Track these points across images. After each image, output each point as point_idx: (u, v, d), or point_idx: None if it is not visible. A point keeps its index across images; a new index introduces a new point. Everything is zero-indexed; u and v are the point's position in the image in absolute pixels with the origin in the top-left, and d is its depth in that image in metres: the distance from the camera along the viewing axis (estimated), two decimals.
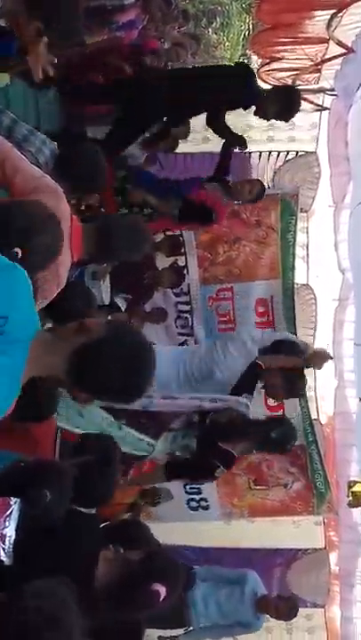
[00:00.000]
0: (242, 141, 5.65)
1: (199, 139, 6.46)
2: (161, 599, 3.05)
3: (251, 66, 6.97)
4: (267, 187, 7.39)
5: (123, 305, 5.75)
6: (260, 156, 7.38)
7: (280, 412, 6.39)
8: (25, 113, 4.65)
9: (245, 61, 10.92)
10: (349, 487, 6.53)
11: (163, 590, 3.05)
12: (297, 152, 7.37)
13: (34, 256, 2.46)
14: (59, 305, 3.02)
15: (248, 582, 5.54)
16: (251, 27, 12.28)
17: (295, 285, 6.82)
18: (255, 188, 5.65)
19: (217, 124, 5.53)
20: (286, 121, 5.86)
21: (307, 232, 7.25)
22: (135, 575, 3.06)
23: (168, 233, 6.35)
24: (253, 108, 5.38)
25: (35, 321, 2.19)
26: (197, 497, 6.20)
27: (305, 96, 7.16)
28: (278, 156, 7.36)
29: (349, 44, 6.19)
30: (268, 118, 5.58)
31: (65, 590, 2.22)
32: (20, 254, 2.26)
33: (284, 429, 4.92)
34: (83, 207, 4.37)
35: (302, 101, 7.00)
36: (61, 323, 2.36)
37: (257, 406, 5.83)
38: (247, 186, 5.65)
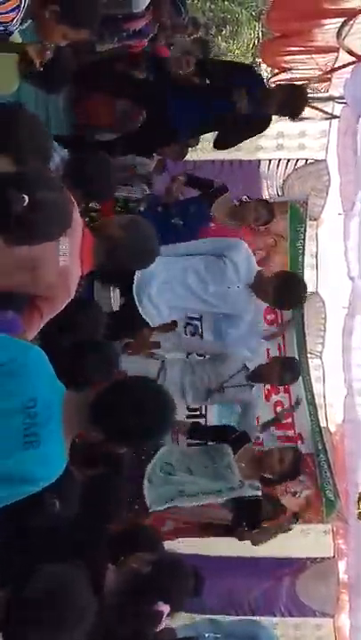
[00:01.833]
0: None
1: (208, 147, 6.46)
2: (164, 618, 3.07)
3: (260, 74, 6.97)
4: (276, 194, 7.41)
5: None
6: (269, 163, 7.39)
7: (289, 420, 6.38)
8: (35, 107, 4.65)
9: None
10: (359, 499, 6.50)
11: (166, 609, 3.05)
12: (306, 160, 7.37)
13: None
14: (68, 326, 3.04)
15: None
16: (260, 34, 12.31)
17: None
18: (262, 211, 5.59)
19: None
20: (291, 117, 5.77)
21: (316, 240, 7.24)
22: (141, 591, 3.07)
23: None
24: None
25: (59, 389, 2.33)
26: None
27: (315, 104, 7.18)
28: (288, 163, 7.36)
29: (360, 53, 6.19)
30: (271, 111, 5.51)
31: (78, 572, 2.26)
32: (26, 200, 2.28)
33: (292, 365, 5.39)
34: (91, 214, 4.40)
35: (312, 109, 7.04)
36: (69, 340, 2.51)
37: (266, 414, 5.85)
38: (253, 211, 5.62)
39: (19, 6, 2.76)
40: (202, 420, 6.00)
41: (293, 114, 5.50)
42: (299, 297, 5.14)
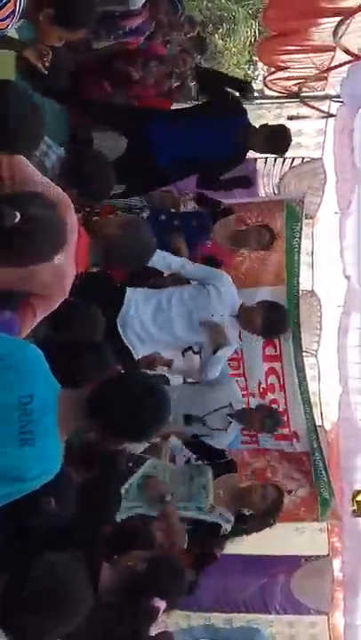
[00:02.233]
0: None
1: None
2: (160, 613, 3.08)
3: (257, 73, 6.97)
4: (272, 193, 7.42)
5: None
6: (265, 162, 7.39)
7: (285, 418, 6.39)
8: None
9: (251, 67, 10.95)
10: (354, 497, 6.52)
11: (162, 605, 3.06)
12: (303, 158, 7.38)
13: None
14: (63, 321, 3.04)
15: None
16: (257, 33, 12.31)
17: (300, 292, 6.81)
18: (264, 239, 5.62)
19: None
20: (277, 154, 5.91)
21: (312, 238, 7.25)
22: (137, 588, 3.08)
23: None
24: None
25: (54, 386, 2.34)
26: None
27: (311, 103, 7.19)
28: (284, 162, 7.36)
29: (356, 52, 6.20)
30: (257, 151, 5.69)
31: (75, 562, 2.28)
32: (18, 217, 2.29)
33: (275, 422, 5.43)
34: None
35: (309, 108, 7.05)
36: (65, 337, 2.52)
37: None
38: (255, 235, 5.63)
39: (14, 11, 2.78)
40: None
41: (277, 154, 5.80)
42: (285, 326, 5.30)
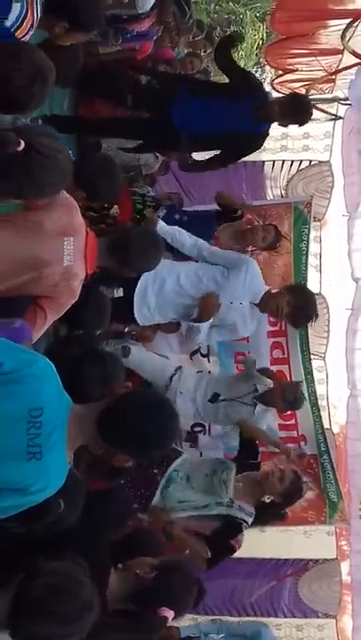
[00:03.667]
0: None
1: None
2: (168, 622, 3.07)
3: (264, 75, 6.96)
4: (280, 195, 7.41)
5: None
6: (273, 164, 7.39)
7: (292, 421, 6.38)
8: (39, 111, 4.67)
9: (259, 70, 10.94)
10: None
11: (170, 614, 3.05)
12: (310, 161, 7.38)
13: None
14: (74, 313, 3.05)
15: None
16: (265, 36, 12.32)
17: None
18: (270, 236, 5.60)
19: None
20: (297, 124, 5.72)
21: (320, 241, 7.24)
22: (146, 596, 3.08)
23: None
24: None
25: (66, 401, 2.35)
26: None
27: (319, 105, 7.18)
28: (292, 164, 7.36)
29: None
30: (276, 119, 5.46)
31: (80, 571, 2.27)
32: (22, 145, 2.36)
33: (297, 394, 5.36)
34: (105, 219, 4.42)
35: (316, 111, 7.04)
36: (76, 329, 2.51)
37: (269, 414, 5.84)
38: (261, 232, 5.60)
39: (32, 25, 2.91)
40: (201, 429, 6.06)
41: (298, 121, 5.49)
42: (314, 311, 5.15)
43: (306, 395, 6.43)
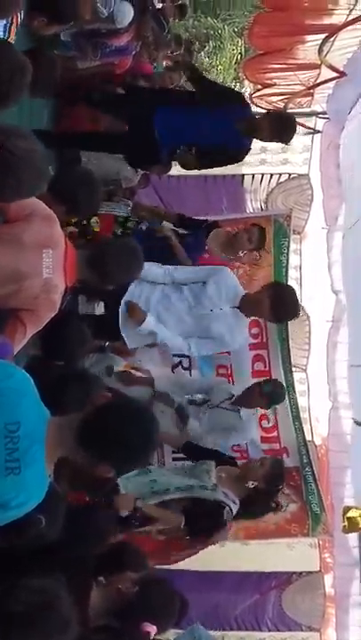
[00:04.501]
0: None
1: None
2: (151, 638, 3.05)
3: (243, 90, 7.00)
4: (260, 209, 7.45)
5: None
6: (252, 178, 7.43)
7: (275, 434, 6.38)
8: (19, 116, 4.66)
9: (238, 85, 11.01)
10: (344, 513, 6.52)
11: (153, 630, 3.03)
12: (289, 174, 7.42)
13: None
14: (53, 342, 3.04)
15: None
16: (243, 50, 12.42)
17: None
18: (254, 236, 5.61)
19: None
20: (282, 142, 5.76)
21: (300, 254, 7.28)
22: (128, 611, 3.05)
23: None
24: None
25: (43, 413, 2.32)
26: None
27: (297, 119, 7.24)
28: (271, 178, 7.41)
29: (341, 68, 6.25)
30: (261, 138, 5.49)
31: (58, 588, 2.24)
32: None
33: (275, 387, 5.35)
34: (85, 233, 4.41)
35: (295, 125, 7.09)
36: (55, 359, 2.49)
37: (252, 427, 5.83)
38: (245, 235, 5.61)
39: (17, 26, 3.07)
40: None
41: (284, 140, 5.53)
42: (296, 305, 5.04)
43: (288, 407, 6.45)
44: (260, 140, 5.52)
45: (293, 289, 5.24)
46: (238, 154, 5.45)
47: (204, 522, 4.49)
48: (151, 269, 4.66)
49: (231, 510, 4.49)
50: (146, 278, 4.60)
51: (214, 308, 4.75)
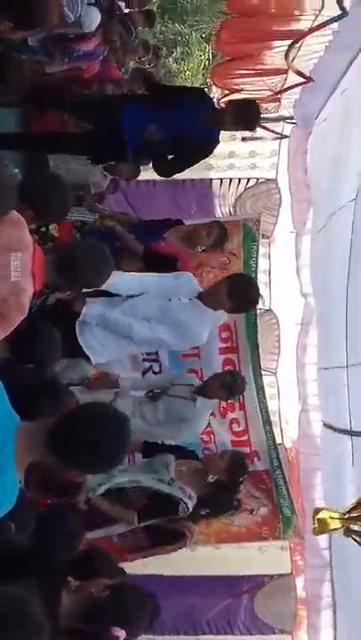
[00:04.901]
0: None
1: None
2: None
3: (211, 95, 7.02)
4: (228, 213, 7.48)
5: None
6: (220, 182, 7.46)
7: (245, 437, 6.40)
8: None
9: (206, 90, 11.02)
10: (314, 514, 6.54)
11: (122, 634, 3.03)
12: (257, 179, 7.46)
13: None
14: (24, 344, 3.03)
15: None
16: (211, 56, 12.47)
17: (258, 310, 6.85)
18: (213, 232, 5.58)
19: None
20: (248, 129, 5.71)
21: (269, 258, 7.32)
22: (98, 615, 3.04)
23: None
24: None
25: (13, 419, 2.31)
26: None
27: (265, 124, 7.28)
28: (239, 183, 7.44)
29: (308, 73, 6.30)
30: (228, 128, 5.49)
31: (29, 594, 2.22)
32: None
33: (235, 378, 5.28)
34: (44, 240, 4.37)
35: (262, 130, 7.13)
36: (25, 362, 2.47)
37: (222, 431, 5.85)
38: (204, 231, 5.58)
39: None
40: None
41: (249, 127, 5.50)
42: (256, 295, 4.91)
43: (258, 410, 6.48)
44: (227, 130, 5.50)
45: (252, 278, 5.20)
46: (209, 145, 5.38)
47: (158, 516, 4.47)
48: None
49: (187, 506, 4.48)
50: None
51: (172, 297, 4.66)
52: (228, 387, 5.23)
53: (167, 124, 5.12)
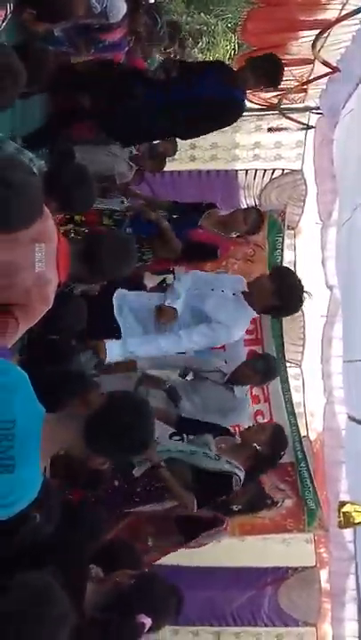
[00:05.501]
0: None
1: (185, 158, 6.49)
2: (146, 631, 3.05)
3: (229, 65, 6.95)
4: (253, 205, 7.44)
5: None
6: (246, 174, 7.42)
7: None
8: (12, 119, 4.65)
9: None
10: (339, 508, 6.51)
11: (148, 622, 3.04)
12: (283, 170, 7.41)
13: None
14: (50, 318, 3.04)
15: None
16: (237, 46, 12.40)
17: None
18: (250, 217, 5.52)
19: None
20: (271, 85, 5.59)
21: (294, 249, 7.27)
22: (124, 602, 3.06)
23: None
24: None
25: (39, 411, 2.33)
26: None
27: (290, 115, 7.23)
28: (264, 174, 7.40)
29: (334, 64, 6.24)
30: (252, 86, 5.43)
31: (54, 582, 2.25)
32: None
33: (268, 362, 5.23)
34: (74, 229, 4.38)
35: (288, 120, 7.09)
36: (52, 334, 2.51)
37: (247, 407, 5.82)
38: (241, 215, 5.53)
39: (6, 17, 3.05)
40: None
41: (272, 81, 5.39)
42: (302, 286, 4.71)
43: (283, 402, 6.46)
44: (250, 88, 5.40)
45: (296, 275, 5.08)
46: (230, 105, 5.30)
47: (213, 497, 4.38)
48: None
49: (239, 477, 4.41)
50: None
51: (215, 288, 4.61)
52: (262, 371, 5.18)
53: (184, 89, 5.08)
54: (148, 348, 4.51)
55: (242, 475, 4.42)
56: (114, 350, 4.41)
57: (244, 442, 4.64)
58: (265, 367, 5.23)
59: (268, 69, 5.18)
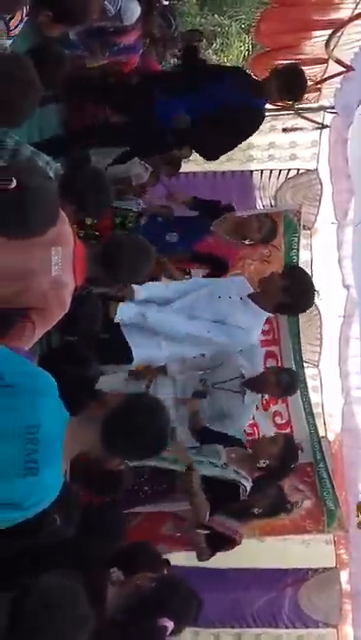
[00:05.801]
0: None
1: (200, 159, 6.48)
2: (168, 634, 3.06)
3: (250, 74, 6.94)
4: (269, 205, 7.44)
5: None
6: (261, 174, 7.41)
7: (288, 430, 6.37)
8: (28, 124, 4.67)
9: None
10: (359, 508, 6.50)
11: (170, 625, 3.03)
12: (298, 170, 7.40)
13: None
14: (67, 320, 3.07)
15: None
16: (251, 47, 12.39)
17: None
18: (265, 226, 5.50)
19: None
20: (295, 99, 5.55)
21: (310, 249, 7.26)
22: (145, 605, 3.07)
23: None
24: None
25: (64, 415, 2.39)
26: None
27: (305, 114, 7.22)
28: (280, 174, 7.39)
29: (348, 62, 6.23)
30: (273, 99, 5.39)
31: (74, 584, 2.26)
32: (14, 183, 2.34)
33: (292, 377, 5.18)
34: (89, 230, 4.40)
35: (303, 120, 7.07)
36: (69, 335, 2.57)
37: (265, 423, 5.82)
38: (256, 223, 5.50)
39: (22, 20, 3.05)
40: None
41: (295, 96, 5.34)
42: (312, 285, 4.75)
43: (301, 403, 6.44)
44: (272, 100, 5.35)
45: (306, 273, 5.06)
46: (251, 114, 5.24)
47: (221, 505, 4.36)
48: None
49: (246, 488, 4.40)
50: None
51: (222, 294, 4.62)
52: (284, 386, 5.12)
53: (206, 100, 5.03)
54: (164, 319, 4.50)
55: (248, 485, 4.42)
56: (125, 312, 4.41)
57: (254, 454, 4.63)
58: (288, 382, 5.16)
59: (293, 85, 5.12)
